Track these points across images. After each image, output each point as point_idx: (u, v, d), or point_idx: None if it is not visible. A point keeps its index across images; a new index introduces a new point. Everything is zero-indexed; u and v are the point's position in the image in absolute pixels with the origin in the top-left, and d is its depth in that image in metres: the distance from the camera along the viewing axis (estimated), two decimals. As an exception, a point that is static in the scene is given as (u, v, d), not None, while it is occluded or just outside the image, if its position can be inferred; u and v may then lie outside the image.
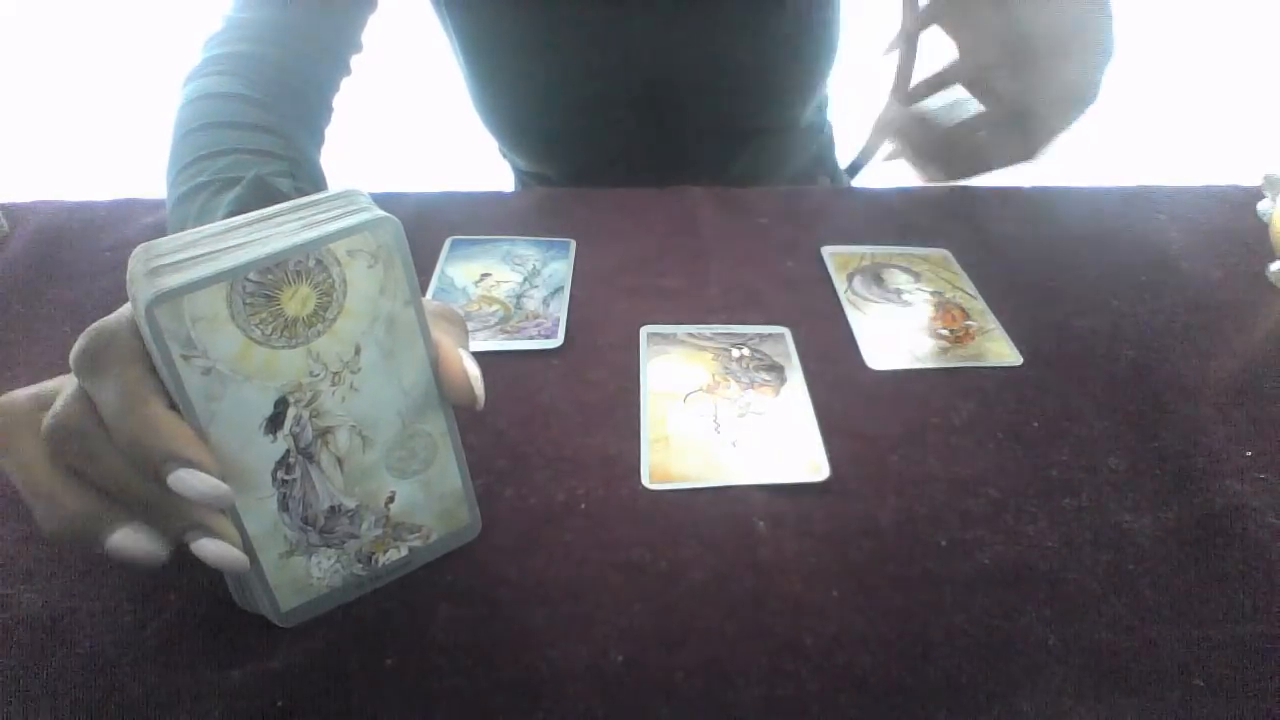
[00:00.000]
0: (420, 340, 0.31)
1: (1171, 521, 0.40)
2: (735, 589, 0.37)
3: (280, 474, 0.30)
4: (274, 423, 0.29)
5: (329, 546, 0.33)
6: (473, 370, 0.33)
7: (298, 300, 0.28)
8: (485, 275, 0.55)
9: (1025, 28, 0.48)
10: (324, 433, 0.30)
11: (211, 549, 0.28)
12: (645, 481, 0.41)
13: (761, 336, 0.51)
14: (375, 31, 0.67)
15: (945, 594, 0.36)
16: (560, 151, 0.80)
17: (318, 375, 0.29)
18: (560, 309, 0.52)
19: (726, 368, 0.48)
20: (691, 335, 0.51)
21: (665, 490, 0.41)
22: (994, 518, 0.40)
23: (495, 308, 0.52)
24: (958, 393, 0.47)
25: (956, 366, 0.49)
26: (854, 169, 0.97)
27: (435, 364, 0.32)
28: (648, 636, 0.35)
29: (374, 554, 0.35)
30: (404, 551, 0.35)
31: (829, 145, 0.91)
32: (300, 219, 0.28)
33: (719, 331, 0.51)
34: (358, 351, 0.30)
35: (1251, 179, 0.66)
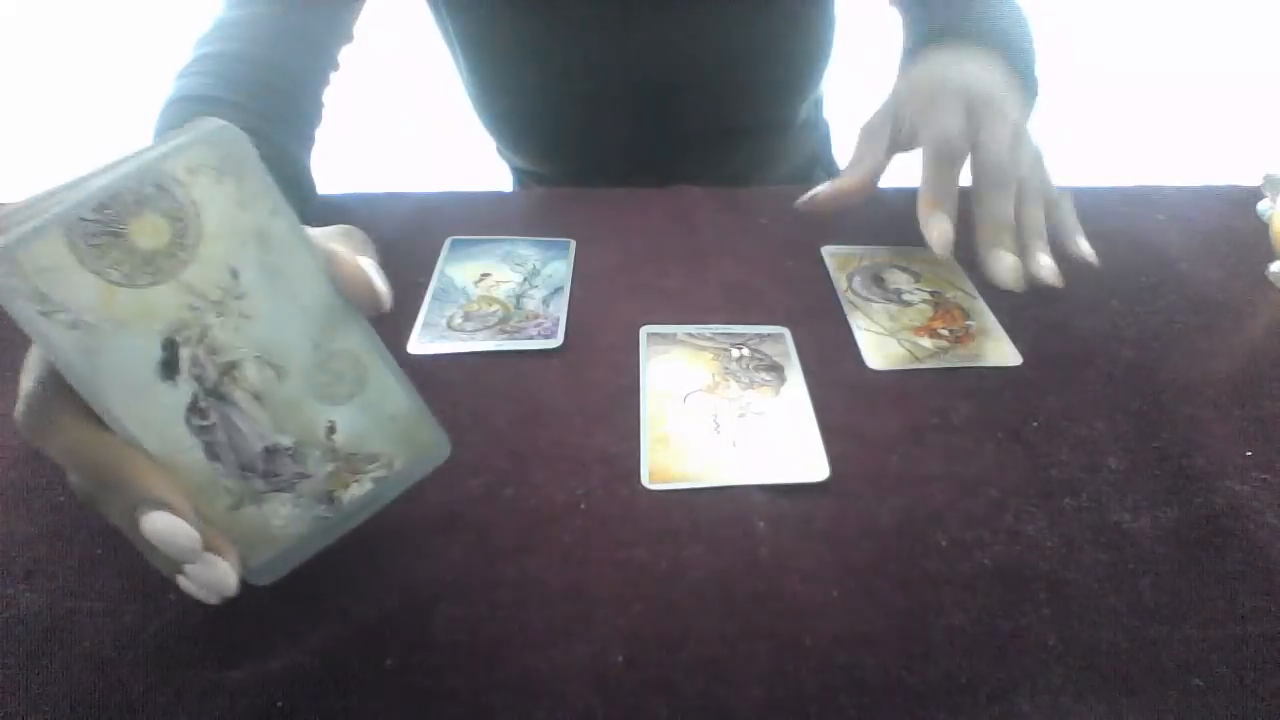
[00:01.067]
0: (303, 251, 0.29)
1: (1171, 521, 0.40)
2: (735, 589, 0.36)
3: (195, 421, 0.28)
4: (168, 367, 0.27)
5: (279, 491, 0.31)
6: (369, 268, 0.31)
7: (148, 232, 0.26)
8: (485, 275, 0.55)
9: None
10: (229, 368, 0.29)
11: (161, 523, 0.27)
12: (645, 481, 0.41)
13: (761, 336, 0.51)
14: (369, 25, 0.67)
15: (945, 594, 0.36)
16: (559, 150, 0.80)
17: (200, 308, 0.28)
18: (560, 309, 0.52)
19: (726, 368, 0.48)
20: (691, 335, 0.51)
21: (665, 490, 0.41)
22: (994, 518, 0.40)
23: (495, 308, 0.52)
24: (958, 393, 0.47)
25: (956, 366, 0.49)
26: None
27: (331, 274, 0.30)
28: (648, 636, 0.35)
29: (335, 492, 0.32)
30: (368, 485, 0.33)
31: (825, 142, 0.92)
32: (140, 152, 0.27)
33: (719, 331, 0.51)
34: (235, 275, 0.28)
35: (1251, 179, 0.66)
